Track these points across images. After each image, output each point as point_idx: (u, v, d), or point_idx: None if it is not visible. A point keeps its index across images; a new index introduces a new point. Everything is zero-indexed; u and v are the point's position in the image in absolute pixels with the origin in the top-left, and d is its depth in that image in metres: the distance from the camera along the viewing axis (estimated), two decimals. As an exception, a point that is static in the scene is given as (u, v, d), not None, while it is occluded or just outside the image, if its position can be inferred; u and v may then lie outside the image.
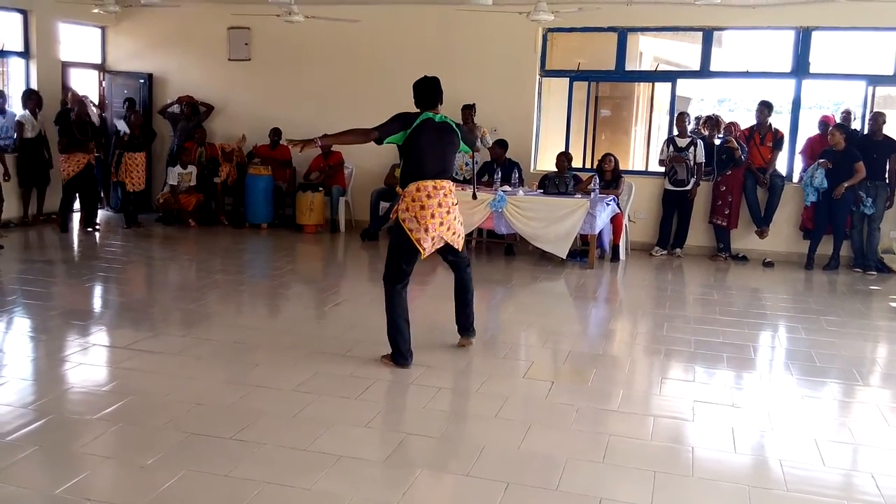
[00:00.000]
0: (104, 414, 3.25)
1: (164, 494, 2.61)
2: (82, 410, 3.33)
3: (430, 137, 3.83)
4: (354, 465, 2.87)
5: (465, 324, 4.29)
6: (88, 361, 3.99)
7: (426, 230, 3.83)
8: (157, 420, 3.20)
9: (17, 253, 6.88)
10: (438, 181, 3.86)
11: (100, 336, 4.54)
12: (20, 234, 7.66)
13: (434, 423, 3.33)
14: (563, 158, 7.45)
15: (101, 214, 8.82)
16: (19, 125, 7.77)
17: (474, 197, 5.23)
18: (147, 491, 2.62)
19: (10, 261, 6.47)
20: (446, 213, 3.89)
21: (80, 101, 8.09)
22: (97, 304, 5.22)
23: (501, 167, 7.46)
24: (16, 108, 8.05)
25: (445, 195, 3.89)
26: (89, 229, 7.87)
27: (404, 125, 3.81)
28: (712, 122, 7.81)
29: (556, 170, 7.43)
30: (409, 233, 3.84)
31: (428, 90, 3.90)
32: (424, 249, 3.87)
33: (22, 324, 4.73)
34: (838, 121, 7.44)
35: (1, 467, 2.76)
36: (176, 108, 8.89)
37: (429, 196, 3.82)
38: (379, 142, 3.81)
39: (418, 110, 3.91)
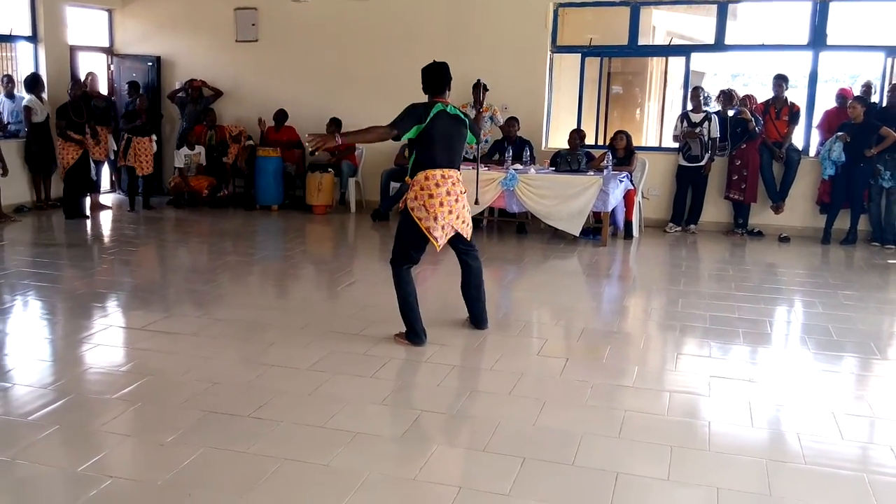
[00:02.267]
0: (123, 393, 3.29)
1: (183, 471, 2.64)
2: (101, 390, 3.37)
3: (442, 130, 3.83)
4: (371, 442, 2.89)
5: (479, 318, 4.25)
6: (106, 342, 4.03)
7: (435, 219, 3.83)
8: (175, 399, 3.23)
9: (29, 237, 6.94)
10: (446, 170, 3.86)
11: (116, 318, 4.59)
12: (33, 218, 7.71)
13: (449, 401, 3.34)
14: (576, 135, 7.37)
15: (113, 198, 8.87)
16: (27, 110, 7.76)
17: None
18: (167, 468, 2.65)
19: (24, 245, 6.52)
20: (455, 202, 3.89)
21: (77, 81, 7.98)
22: (112, 286, 5.26)
23: (512, 145, 7.39)
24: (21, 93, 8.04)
25: (454, 184, 3.89)
26: (101, 211, 7.88)
27: (419, 119, 3.81)
28: (726, 96, 7.68)
29: (567, 147, 7.36)
30: (418, 221, 3.85)
31: (437, 76, 3.89)
32: (437, 240, 3.87)
33: (38, 306, 4.78)
34: (857, 93, 7.29)
35: (23, 446, 2.80)
36: (182, 92, 8.87)
37: (437, 185, 3.82)
38: (397, 139, 3.82)
39: (428, 100, 3.90)
